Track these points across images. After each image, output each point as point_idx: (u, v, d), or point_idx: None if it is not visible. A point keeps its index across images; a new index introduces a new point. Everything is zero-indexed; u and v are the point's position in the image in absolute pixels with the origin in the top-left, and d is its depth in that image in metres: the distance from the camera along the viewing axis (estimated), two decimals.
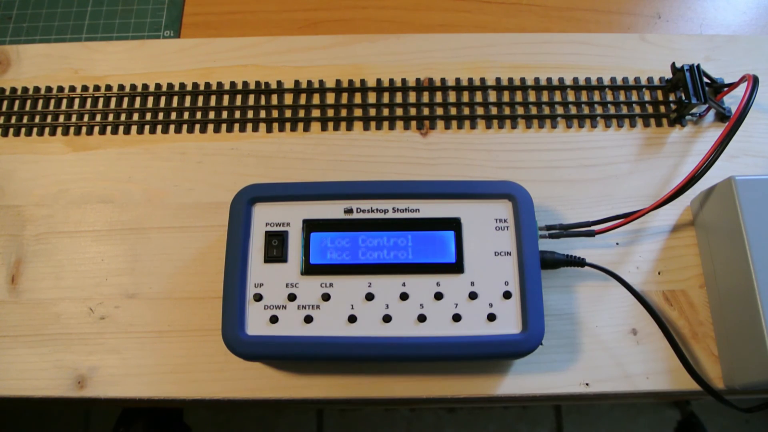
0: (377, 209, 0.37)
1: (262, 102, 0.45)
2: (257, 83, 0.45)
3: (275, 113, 0.45)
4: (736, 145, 0.42)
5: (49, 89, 0.46)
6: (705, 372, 0.37)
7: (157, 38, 0.49)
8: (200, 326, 0.39)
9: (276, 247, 0.36)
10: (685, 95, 0.42)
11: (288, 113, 0.45)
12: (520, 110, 0.44)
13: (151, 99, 0.45)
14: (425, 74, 0.46)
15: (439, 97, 0.45)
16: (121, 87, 0.46)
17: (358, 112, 0.45)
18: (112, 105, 0.45)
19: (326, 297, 0.35)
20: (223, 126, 0.44)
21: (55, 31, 0.50)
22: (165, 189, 0.42)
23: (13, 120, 0.45)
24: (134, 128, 0.44)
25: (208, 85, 0.45)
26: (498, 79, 0.45)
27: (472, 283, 0.35)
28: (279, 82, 0.46)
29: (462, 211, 0.36)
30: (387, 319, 0.34)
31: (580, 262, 0.38)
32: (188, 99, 0.45)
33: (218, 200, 0.42)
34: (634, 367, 0.37)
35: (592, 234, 0.39)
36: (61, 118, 0.45)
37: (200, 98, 0.45)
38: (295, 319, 0.35)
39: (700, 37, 0.47)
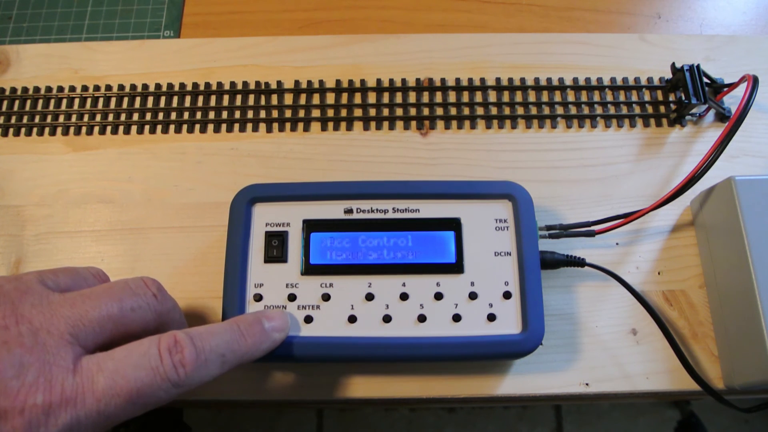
0: (377, 209, 0.37)
1: (262, 102, 0.45)
2: (257, 83, 0.45)
3: (275, 113, 0.45)
4: (736, 145, 0.42)
5: (49, 89, 0.45)
6: (705, 372, 0.37)
7: (157, 38, 0.49)
8: None
9: (276, 247, 0.36)
10: (685, 95, 0.42)
11: (288, 113, 0.45)
12: (520, 110, 0.44)
13: (151, 99, 0.45)
14: (425, 74, 0.46)
15: (439, 97, 0.45)
16: (121, 87, 0.46)
17: (358, 112, 0.45)
18: (112, 105, 0.45)
19: (326, 297, 0.35)
20: (223, 126, 0.44)
21: (55, 31, 0.50)
22: (165, 189, 0.42)
23: (13, 120, 0.45)
24: (134, 128, 0.44)
25: (208, 85, 0.45)
26: (498, 79, 0.45)
27: (472, 283, 0.35)
28: (279, 82, 0.46)
29: (462, 211, 0.37)
30: (387, 319, 0.34)
31: (580, 262, 0.38)
32: (188, 99, 0.45)
33: (218, 200, 0.42)
34: (633, 367, 0.37)
35: (592, 234, 0.39)
36: (61, 118, 0.45)
37: (200, 98, 0.45)
38: (295, 319, 0.35)
39: (700, 37, 0.47)
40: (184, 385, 0.27)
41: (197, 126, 0.44)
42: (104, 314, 0.27)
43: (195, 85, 0.45)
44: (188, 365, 0.27)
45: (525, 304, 0.34)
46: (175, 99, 0.45)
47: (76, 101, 0.45)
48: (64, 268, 0.30)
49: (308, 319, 0.34)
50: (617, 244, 0.40)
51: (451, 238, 0.36)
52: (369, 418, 0.94)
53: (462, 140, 0.44)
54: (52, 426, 0.24)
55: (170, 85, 0.45)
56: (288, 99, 0.45)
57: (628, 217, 0.39)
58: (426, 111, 0.45)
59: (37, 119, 0.45)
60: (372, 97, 0.45)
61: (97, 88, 0.46)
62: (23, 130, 0.44)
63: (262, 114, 0.45)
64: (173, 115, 0.45)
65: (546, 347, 0.37)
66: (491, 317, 0.34)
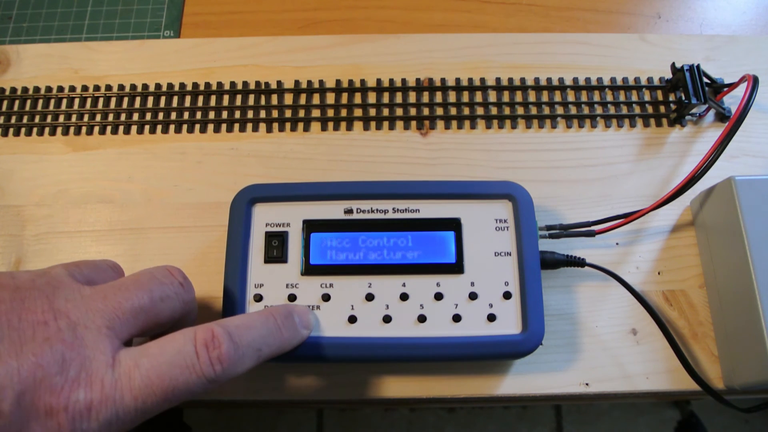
0: (377, 209, 0.37)
1: (262, 102, 0.45)
2: (257, 83, 0.45)
3: (275, 113, 0.45)
4: (736, 145, 0.42)
5: (49, 89, 0.45)
6: (705, 372, 0.37)
7: (157, 38, 0.49)
8: None
9: (276, 247, 0.36)
10: (685, 95, 0.42)
11: (288, 113, 0.45)
12: (520, 110, 0.44)
13: (151, 99, 0.45)
14: (425, 74, 0.46)
15: (439, 97, 0.45)
16: (121, 87, 0.46)
17: (358, 112, 0.45)
18: (112, 105, 0.45)
19: (326, 297, 0.35)
20: (223, 126, 0.44)
21: (55, 31, 0.50)
22: (165, 189, 0.42)
23: (13, 120, 0.45)
24: (134, 128, 0.44)
25: (208, 85, 0.45)
26: (498, 79, 0.45)
27: (472, 284, 0.35)
28: (279, 82, 0.46)
29: (462, 211, 0.37)
30: (387, 319, 0.34)
31: (580, 262, 0.38)
32: (188, 99, 0.45)
33: (218, 200, 0.42)
34: (633, 367, 0.37)
35: (592, 234, 0.39)
36: (61, 118, 0.45)
37: (200, 98, 0.45)
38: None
39: (700, 37, 0.47)
40: (219, 380, 0.27)
41: (197, 126, 0.44)
42: (136, 306, 0.27)
43: (195, 85, 0.45)
44: (225, 361, 0.27)
45: (525, 304, 0.34)
46: (175, 99, 0.45)
47: (76, 101, 0.45)
48: (84, 261, 0.30)
49: None
50: (617, 244, 0.40)
51: (451, 238, 0.36)
52: (369, 418, 0.94)
53: (462, 140, 0.44)
54: (93, 421, 0.24)
55: (170, 85, 0.45)
56: (288, 99, 0.45)
57: (628, 217, 0.39)
58: (426, 111, 0.45)
59: (37, 119, 0.45)
60: (372, 97, 0.45)
61: (97, 88, 0.46)
62: (23, 130, 0.44)
63: (262, 114, 0.45)
64: (173, 115, 0.45)
65: (546, 347, 0.37)
66: (491, 317, 0.34)
